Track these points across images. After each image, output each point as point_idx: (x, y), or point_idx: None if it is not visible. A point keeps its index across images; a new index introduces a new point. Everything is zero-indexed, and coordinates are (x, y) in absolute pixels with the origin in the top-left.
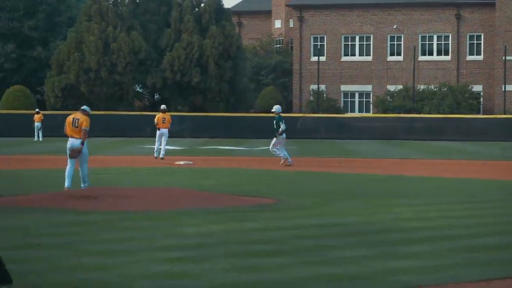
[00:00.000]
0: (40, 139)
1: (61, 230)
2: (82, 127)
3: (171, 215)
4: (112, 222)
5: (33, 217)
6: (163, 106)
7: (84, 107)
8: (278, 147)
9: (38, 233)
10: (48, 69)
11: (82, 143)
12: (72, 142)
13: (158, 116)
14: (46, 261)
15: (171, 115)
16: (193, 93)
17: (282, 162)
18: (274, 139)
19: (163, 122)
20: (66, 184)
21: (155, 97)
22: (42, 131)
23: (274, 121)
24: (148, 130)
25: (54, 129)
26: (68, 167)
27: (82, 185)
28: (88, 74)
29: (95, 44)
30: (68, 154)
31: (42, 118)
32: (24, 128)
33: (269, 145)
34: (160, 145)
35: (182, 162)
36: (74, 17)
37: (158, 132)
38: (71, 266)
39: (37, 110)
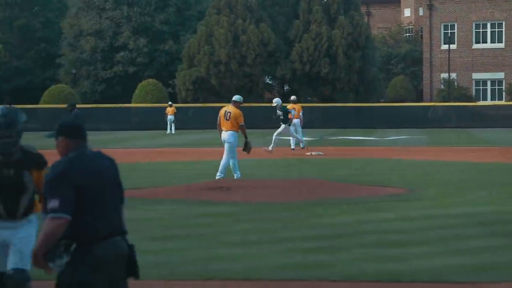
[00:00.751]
0: (173, 132)
1: (196, 221)
2: (239, 124)
3: (304, 206)
4: (246, 213)
5: (168, 209)
6: (293, 97)
7: (235, 97)
8: (276, 132)
9: (173, 224)
10: (179, 63)
11: (246, 136)
12: (223, 135)
13: (289, 107)
14: (182, 251)
15: (301, 106)
16: (323, 83)
17: (269, 149)
18: (286, 127)
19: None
20: (235, 175)
21: (285, 88)
22: (175, 124)
23: (282, 112)
24: None
25: (186, 122)
26: (224, 158)
27: (217, 175)
28: (218, 67)
29: (225, 37)
30: (225, 147)
31: (175, 111)
32: (157, 121)
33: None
34: (298, 135)
35: (313, 153)
36: (203, 10)
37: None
38: (206, 256)
39: (170, 103)
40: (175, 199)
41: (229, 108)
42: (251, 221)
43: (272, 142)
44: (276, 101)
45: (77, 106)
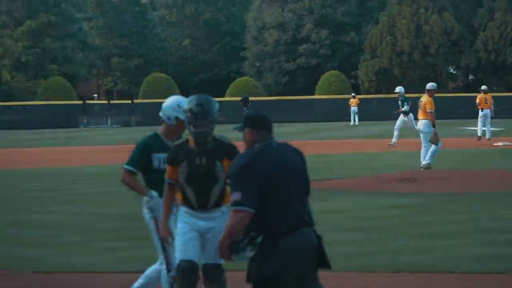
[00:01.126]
0: (357, 123)
1: (383, 212)
2: (427, 110)
3: (494, 197)
4: (433, 205)
5: (356, 200)
6: (484, 87)
7: (428, 85)
8: (396, 126)
9: (361, 215)
10: (361, 54)
11: (434, 126)
12: (418, 124)
13: (480, 97)
14: (370, 243)
15: (491, 96)
16: (509, 72)
17: (393, 141)
18: (405, 119)
19: (485, 103)
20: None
21: (469, 78)
22: (359, 116)
23: (400, 101)
24: (462, 112)
25: (369, 113)
26: (423, 148)
27: (424, 162)
28: (401, 57)
29: (407, 27)
30: (421, 136)
31: (358, 102)
32: (340, 113)
33: None
34: (484, 126)
35: (500, 143)
36: (385, 1)
37: (480, 113)
38: (394, 248)
39: (353, 94)
40: (362, 190)
41: (423, 97)
42: (439, 213)
43: (394, 136)
44: (399, 89)
45: (258, 98)
